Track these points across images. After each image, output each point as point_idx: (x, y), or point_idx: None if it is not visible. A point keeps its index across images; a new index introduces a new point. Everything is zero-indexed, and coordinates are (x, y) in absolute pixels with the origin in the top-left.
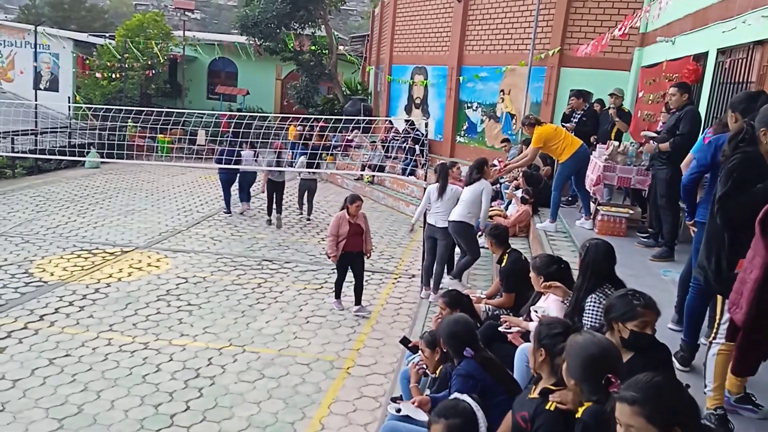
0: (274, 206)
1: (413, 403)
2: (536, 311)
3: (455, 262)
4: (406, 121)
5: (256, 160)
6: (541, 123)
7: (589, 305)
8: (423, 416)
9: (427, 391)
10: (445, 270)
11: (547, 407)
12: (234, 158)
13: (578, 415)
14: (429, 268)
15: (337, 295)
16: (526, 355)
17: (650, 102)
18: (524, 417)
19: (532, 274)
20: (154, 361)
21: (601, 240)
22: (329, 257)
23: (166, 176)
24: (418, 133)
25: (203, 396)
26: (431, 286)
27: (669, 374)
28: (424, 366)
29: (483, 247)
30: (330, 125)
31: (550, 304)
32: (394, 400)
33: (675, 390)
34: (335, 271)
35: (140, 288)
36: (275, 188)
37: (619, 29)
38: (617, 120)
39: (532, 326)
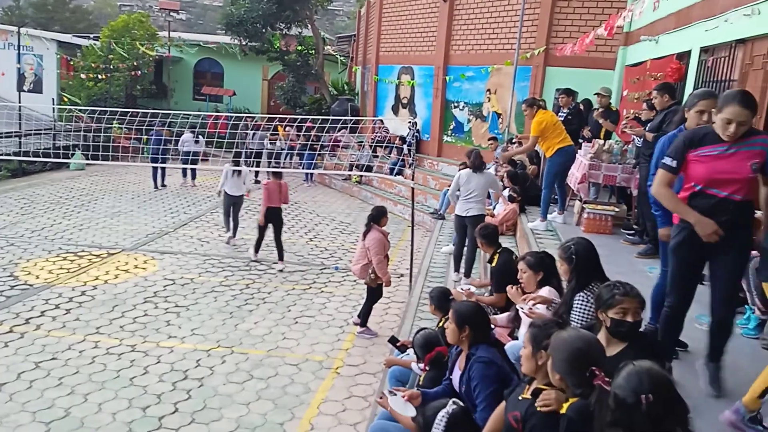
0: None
1: (404, 396)
2: (522, 308)
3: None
4: (410, 121)
5: (196, 141)
6: (542, 106)
7: (578, 303)
8: (411, 411)
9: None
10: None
11: (539, 409)
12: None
13: (563, 411)
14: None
15: (366, 322)
16: (513, 354)
17: (635, 100)
18: (516, 417)
19: (527, 272)
20: (141, 364)
21: (582, 238)
22: (386, 284)
23: (152, 177)
24: (416, 132)
25: (192, 398)
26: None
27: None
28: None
29: None
30: (316, 125)
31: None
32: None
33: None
34: (366, 296)
35: (127, 290)
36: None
37: (605, 29)
38: (602, 121)
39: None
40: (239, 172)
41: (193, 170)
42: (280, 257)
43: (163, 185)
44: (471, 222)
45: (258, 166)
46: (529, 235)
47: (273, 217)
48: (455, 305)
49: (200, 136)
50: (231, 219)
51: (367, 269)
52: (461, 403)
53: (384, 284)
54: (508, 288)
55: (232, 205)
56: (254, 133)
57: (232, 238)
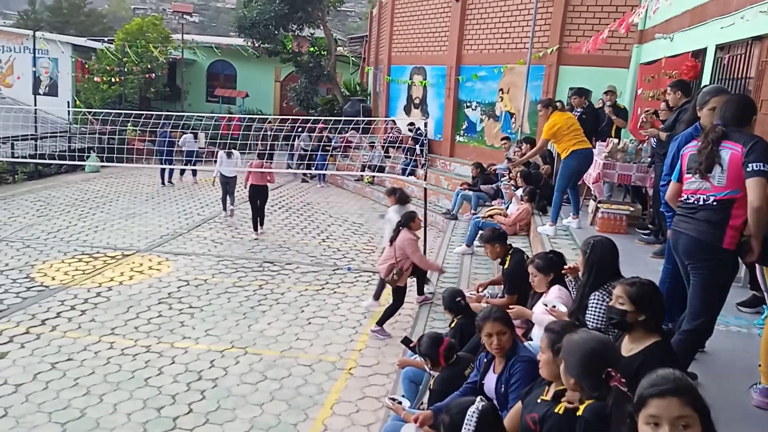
0: None
1: (416, 421)
2: (546, 305)
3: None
4: (410, 123)
5: (195, 141)
6: (557, 107)
7: (593, 303)
8: None
9: (427, 395)
10: None
11: (556, 410)
12: (168, 141)
13: (579, 412)
14: None
15: (384, 323)
16: None
17: (650, 99)
18: (534, 419)
19: (537, 276)
20: (156, 364)
21: (604, 237)
22: (439, 271)
23: (159, 174)
24: (420, 133)
25: (206, 398)
26: None
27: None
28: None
29: None
30: (329, 126)
31: (554, 299)
32: (393, 399)
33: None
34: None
35: (142, 291)
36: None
37: (619, 25)
38: (615, 118)
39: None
40: (231, 155)
41: (194, 168)
42: (261, 225)
43: (170, 182)
44: None
45: (311, 166)
46: (543, 234)
47: (258, 193)
48: (501, 314)
49: (198, 135)
50: (228, 196)
51: (392, 269)
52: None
53: (437, 272)
54: (510, 310)
55: (227, 184)
56: (307, 135)
57: (232, 210)
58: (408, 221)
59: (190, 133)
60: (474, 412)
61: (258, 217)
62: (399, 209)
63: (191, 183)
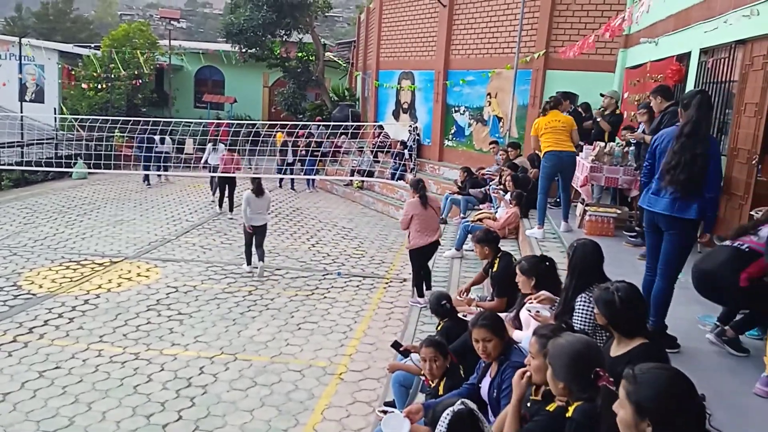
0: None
1: (404, 412)
2: (530, 310)
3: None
4: (411, 125)
5: (163, 143)
6: (548, 110)
7: (579, 305)
8: (405, 428)
9: (420, 397)
10: None
11: (547, 408)
12: (147, 143)
13: (569, 414)
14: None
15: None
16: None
17: (636, 102)
18: (524, 418)
19: (521, 278)
20: (145, 372)
21: (588, 239)
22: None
23: (154, 185)
24: (418, 133)
25: (195, 405)
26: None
27: (677, 372)
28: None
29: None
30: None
31: (537, 305)
32: (384, 412)
33: (669, 386)
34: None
35: (130, 298)
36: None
37: (604, 31)
38: (600, 119)
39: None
40: (217, 149)
41: (166, 168)
42: (231, 209)
43: (149, 185)
44: (261, 230)
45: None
46: (531, 237)
47: (228, 180)
48: (487, 321)
49: (167, 138)
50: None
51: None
52: (471, 404)
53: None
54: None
55: (214, 172)
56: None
57: (214, 194)
58: (419, 189)
59: (159, 136)
60: (448, 413)
61: (227, 201)
62: (252, 195)
63: (160, 182)
